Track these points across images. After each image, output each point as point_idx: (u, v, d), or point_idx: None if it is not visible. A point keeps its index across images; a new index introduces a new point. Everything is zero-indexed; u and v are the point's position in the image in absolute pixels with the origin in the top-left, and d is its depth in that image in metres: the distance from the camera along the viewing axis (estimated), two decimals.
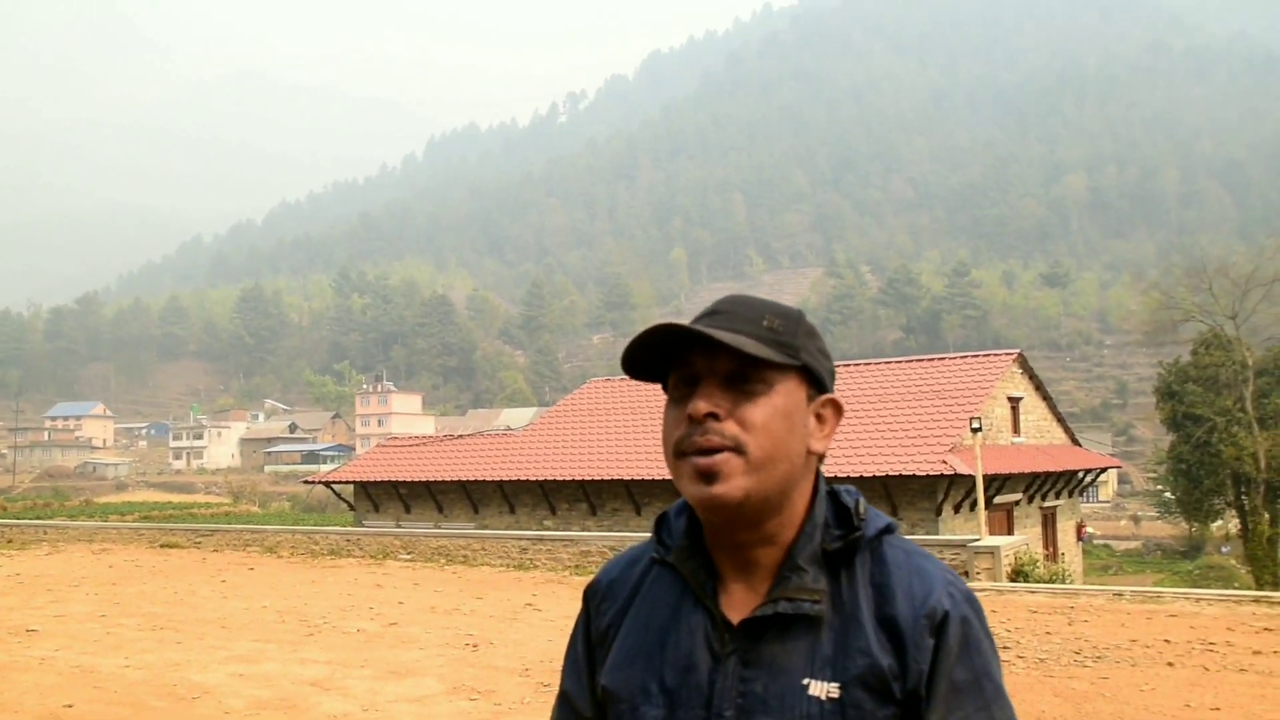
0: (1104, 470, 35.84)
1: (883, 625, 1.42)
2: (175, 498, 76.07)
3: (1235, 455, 39.51)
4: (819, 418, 1.51)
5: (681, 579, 1.53)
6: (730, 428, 1.41)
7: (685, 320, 1.45)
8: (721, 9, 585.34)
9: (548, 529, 26.97)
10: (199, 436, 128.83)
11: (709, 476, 1.41)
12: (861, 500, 1.52)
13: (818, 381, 1.51)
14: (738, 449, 1.41)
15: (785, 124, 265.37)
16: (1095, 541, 54.49)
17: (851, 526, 1.48)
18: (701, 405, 1.42)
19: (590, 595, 1.67)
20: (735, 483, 1.40)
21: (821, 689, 1.38)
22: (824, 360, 1.53)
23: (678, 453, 1.45)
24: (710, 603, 1.48)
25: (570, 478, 27.58)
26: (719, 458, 1.40)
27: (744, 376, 1.43)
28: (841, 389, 28.92)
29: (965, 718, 1.39)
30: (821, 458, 1.53)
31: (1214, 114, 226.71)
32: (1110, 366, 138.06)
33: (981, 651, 1.42)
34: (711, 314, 1.49)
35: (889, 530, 1.51)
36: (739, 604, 1.47)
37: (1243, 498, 41.13)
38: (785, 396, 1.45)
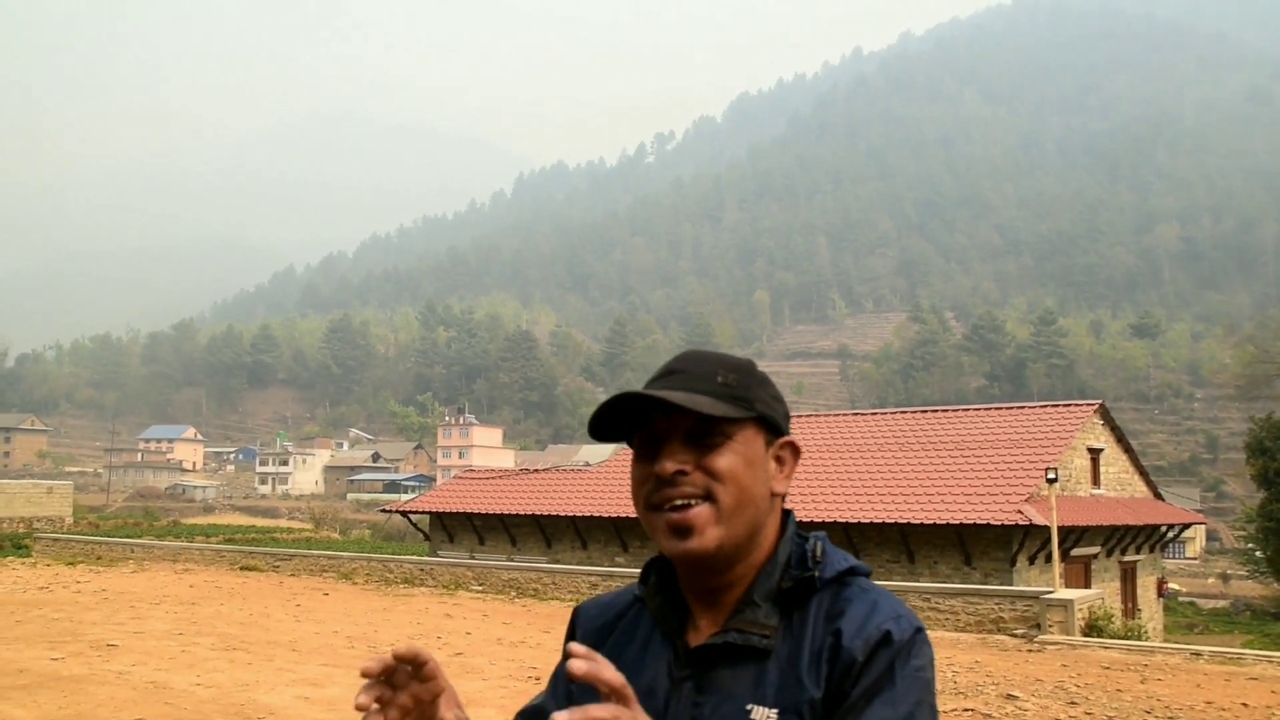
0: (1188, 526, 35.00)
1: (827, 655, 1.49)
2: (259, 522, 77.31)
3: None
4: (778, 460, 1.61)
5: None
6: (699, 479, 1.51)
7: (646, 375, 1.60)
8: (811, 53, 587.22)
9: (619, 566, 26.96)
10: (284, 463, 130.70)
11: (683, 531, 1.50)
12: (822, 544, 1.61)
13: (773, 427, 1.61)
14: (709, 498, 1.51)
15: (872, 168, 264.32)
16: (1180, 599, 52.97)
17: (807, 567, 1.56)
18: (669, 465, 1.52)
19: (575, 620, 1.78)
20: (709, 534, 1.50)
21: (762, 714, 1.47)
22: (777, 406, 1.63)
23: (649, 506, 1.56)
24: (673, 634, 1.59)
25: None
26: (692, 512, 1.50)
27: (705, 431, 1.52)
28: (919, 436, 28.70)
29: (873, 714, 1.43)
30: (784, 498, 1.64)
31: None
32: (1200, 420, 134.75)
33: (907, 680, 1.45)
34: (668, 374, 1.59)
35: (853, 572, 1.58)
36: (703, 637, 1.56)
37: None
38: (745, 445, 1.54)
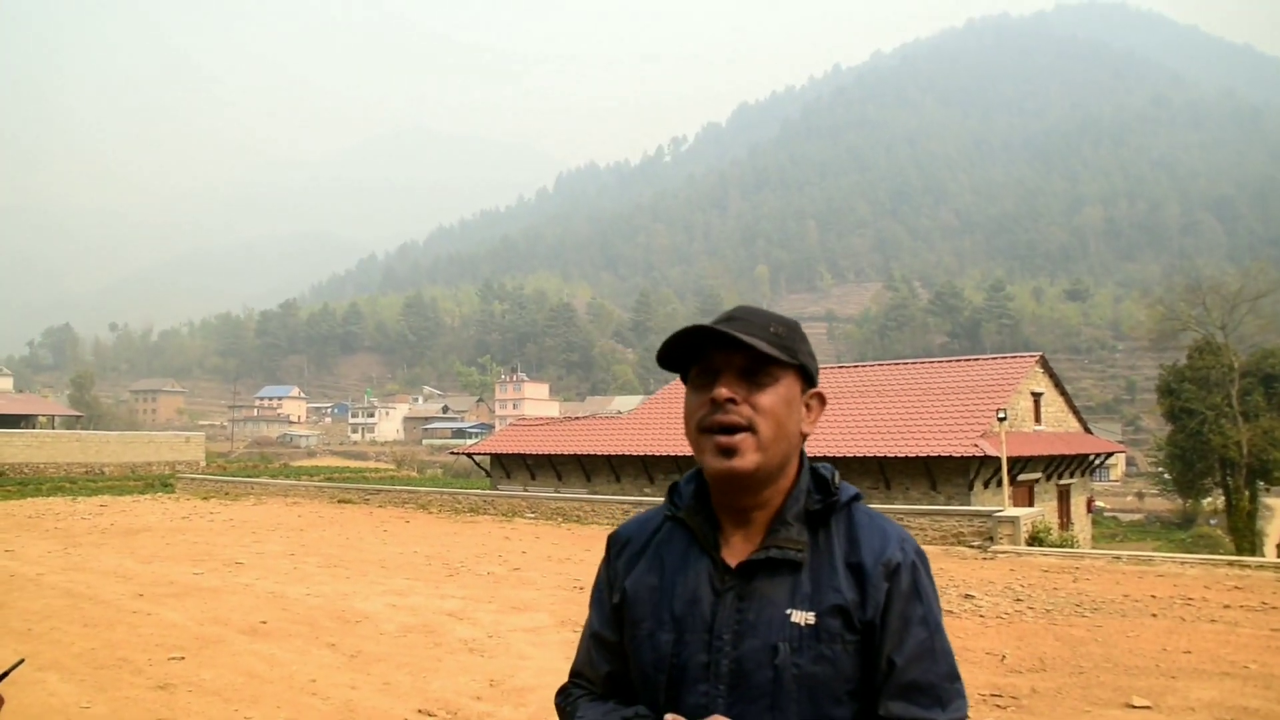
0: (1111, 454, 34.76)
1: (850, 570, 1.50)
2: (351, 463, 77.81)
3: (1222, 443, 38.70)
4: (808, 407, 1.60)
5: (689, 532, 1.60)
6: (745, 410, 1.49)
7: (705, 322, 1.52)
8: (798, 67, 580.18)
9: (647, 495, 27.05)
10: (371, 415, 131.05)
11: (729, 452, 1.48)
12: (836, 474, 1.62)
13: (809, 377, 1.59)
14: (751, 429, 1.49)
15: (851, 163, 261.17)
16: (1104, 514, 52.98)
17: (829, 493, 1.58)
18: (724, 391, 1.49)
19: (611, 543, 1.72)
20: (749, 457, 1.48)
21: (801, 617, 1.46)
22: (812, 362, 1.60)
23: (701, 429, 1.52)
24: (713, 550, 1.55)
25: (666, 453, 27.59)
26: (738, 437, 1.48)
27: (756, 371, 1.51)
28: (893, 384, 28.59)
29: (914, 644, 1.46)
30: (805, 438, 1.60)
31: (1208, 157, 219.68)
32: (1121, 368, 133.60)
33: (925, 595, 1.50)
34: (729, 319, 1.55)
35: (857, 498, 1.60)
36: (736, 552, 1.54)
37: (1227, 479, 40.00)
38: (786, 388, 1.53)
